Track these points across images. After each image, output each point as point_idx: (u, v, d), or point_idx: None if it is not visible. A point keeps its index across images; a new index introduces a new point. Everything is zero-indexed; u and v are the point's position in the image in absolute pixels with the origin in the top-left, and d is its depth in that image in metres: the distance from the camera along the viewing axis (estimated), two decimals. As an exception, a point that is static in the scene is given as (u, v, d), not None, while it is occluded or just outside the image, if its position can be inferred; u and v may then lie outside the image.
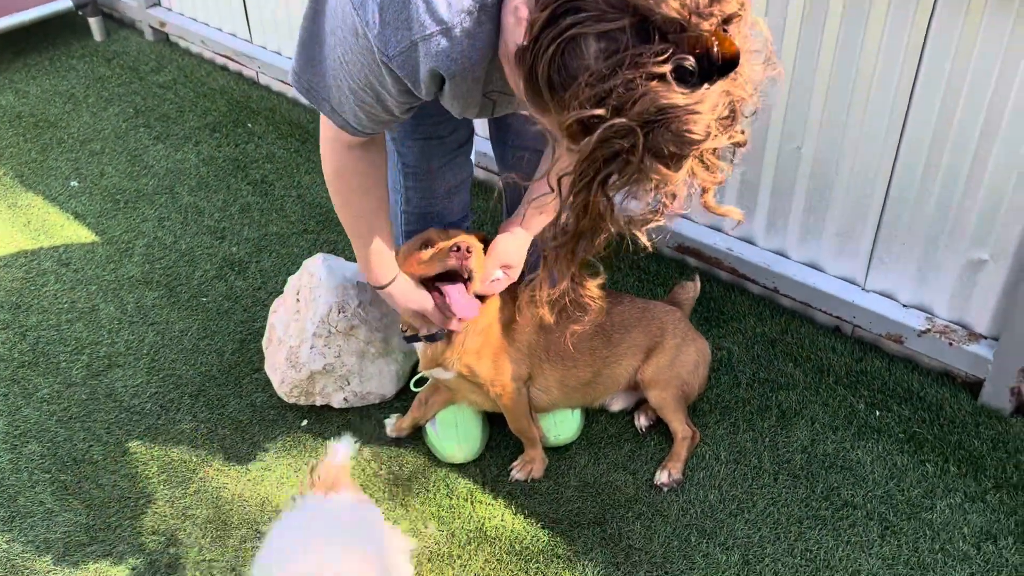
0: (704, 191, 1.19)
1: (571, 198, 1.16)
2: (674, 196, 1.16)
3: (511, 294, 2.09)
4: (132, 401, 2.37)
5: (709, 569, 1.90)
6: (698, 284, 2.37)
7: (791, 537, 1.95)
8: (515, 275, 1.94)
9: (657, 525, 1.99)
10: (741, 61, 1.08)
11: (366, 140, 1.63)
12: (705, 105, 1.07)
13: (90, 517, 2.07)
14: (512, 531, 2.00)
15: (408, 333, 2.01)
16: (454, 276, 1.85)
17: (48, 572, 1.95)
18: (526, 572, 1.92)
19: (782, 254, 2.49)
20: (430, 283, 1.89)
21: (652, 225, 1.21)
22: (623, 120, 1.06)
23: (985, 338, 2.20)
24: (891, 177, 2.17)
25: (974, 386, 2.23)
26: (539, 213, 1.82)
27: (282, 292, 2.33)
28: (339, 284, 2.22)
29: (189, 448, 2.23)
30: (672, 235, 2.64)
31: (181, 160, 3.39)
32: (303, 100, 3.63)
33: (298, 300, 2.26)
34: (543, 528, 2.01)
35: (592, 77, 1.07)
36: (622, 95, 1.06)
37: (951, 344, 2.20)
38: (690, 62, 1.05)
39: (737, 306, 2.56)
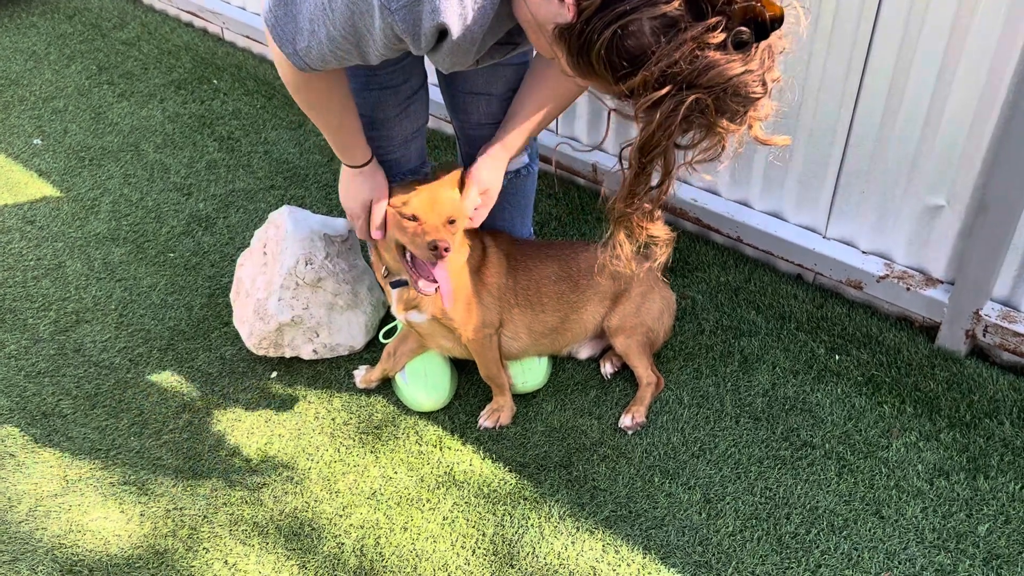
0: (751, 127, 1.25)
1: (644, 166, 1.24)
2: (724, 148, 1.26)
3: (481, 240, 2.11)
4: (101, 356, 2.38)
5: (672, 508, 1.95)
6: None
7: (751, 476, 2.00)
8: (492, 199, 1.97)
9: (621, 467, 2.04)
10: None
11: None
12: (756, 62, 1.17)
13: (61, 468, 2.08)
14: (480, 475, 2.04)
15: (392, 278, 2.03)
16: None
17: (20, 523, 1.96)
18: (493, 514, 1.96)
19: (746, 204, 2.53)
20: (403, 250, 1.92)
21: (711, 163, 1.29)
22: (696, 94, 1.15)
23: (942, 283, 2.25)
24: (851, 125, 2.20)
25: (931, 330, 2.29)
26: (523, 133, 1.90)
27: (249, 246, 2.33)
28: (306, 236, 2.23)
29: (159, 401, 2.24)
30: (638, 187, 2.67)
31: (146, 117, 3.36)
32: (268, 56, 3.61)
33: (265, 253, 2.27)
34: (510, 472, 2.05)
35: (657, 56, 1.15)
36: (686, 70, 1.14)
37: (908, 289, 2.25)
38: (746, 33, 1.14)
39: (702, 256, 2.60)
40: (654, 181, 1.28)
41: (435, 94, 2.21)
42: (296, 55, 1.53)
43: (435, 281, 1.88)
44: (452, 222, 1.87)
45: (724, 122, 1.19)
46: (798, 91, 2.23)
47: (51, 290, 2.59)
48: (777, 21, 1.15)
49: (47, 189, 3.00)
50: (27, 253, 2.72)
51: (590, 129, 2.77)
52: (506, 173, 2.18)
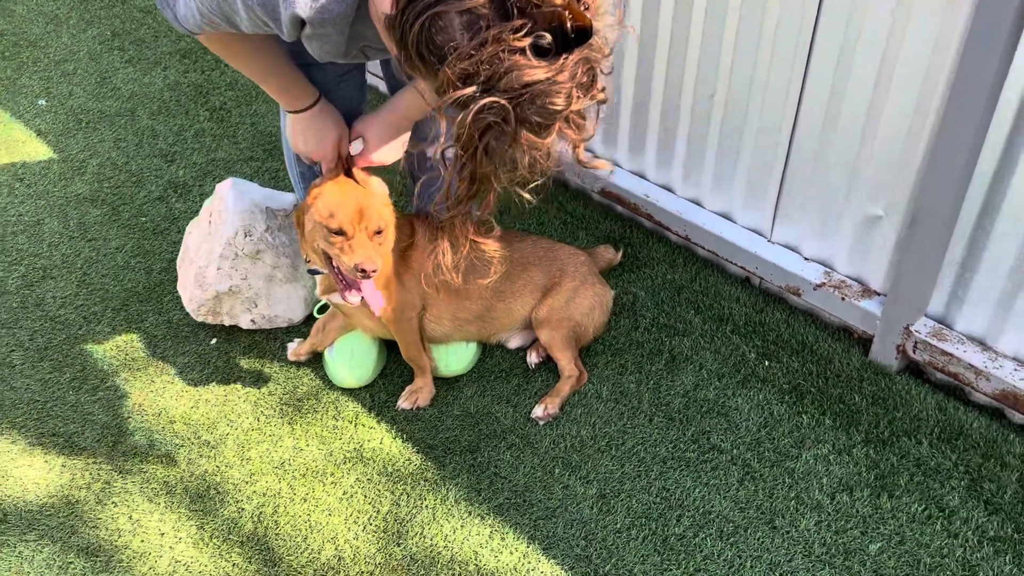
0: (575, 147, 1.25)
1: (459, 169, 1.24)
2: (548, 155, 1.23)
3: (410, 222, 2.14)
4: (58, 311, 2.48)
5: (566, 500, 1.96)
6: (618, 256, 2.45)
7: (651, 475, 2.00)
8: (371, 148, 1.91)
9: (525, 456, 2.06)
10: (594, 30, 1.13)
11: None
12: (565, 75, 1.15)
13: (-1, 416, 2.19)
14: (388, 454, 2.08)
15: (311, 266, 2.07)
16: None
17: (-49, 464, 2.08)
18: (392, 492, 2.00)
19: (698, 203, 2.50)
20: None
21: (532, 184, 1.28)
22: (493, 98, 1.14)
23: (880, 294, 2.20)
24: (794, 129, 2.16)
25: (867, 343, 2.24)
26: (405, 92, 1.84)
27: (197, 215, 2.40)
28: (246, 208, 2.28)
29: (102, 358, 2.33)
30: (598, 180, 2.66)
31: (148, 84, 3.46)
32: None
33: (210, 223, 2.33)
34: (417, 453, 2.08)
35: (459, 54, 1.14)
36: (488, 71, 1.14)
37: (843, 299, 2.21)
38: (546, 39, 1.13)
39: (654, 253, 2.58)
40: (467, 189, 1.27)
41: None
42: (176, 21, 1.56)
43: (360, 291, 1.91)
44: (379, 232, 1.89)
45: (526, 134, 1.17)
46: (746, 86, 2.20)
47: (25, 246, 2.70)
48: (583, 33, 1.13)
49: (42, 149, 3.12)
50: (11, 209, 2.85)
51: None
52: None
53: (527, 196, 1.32)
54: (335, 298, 2.11)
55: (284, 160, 3.01)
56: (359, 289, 1.92)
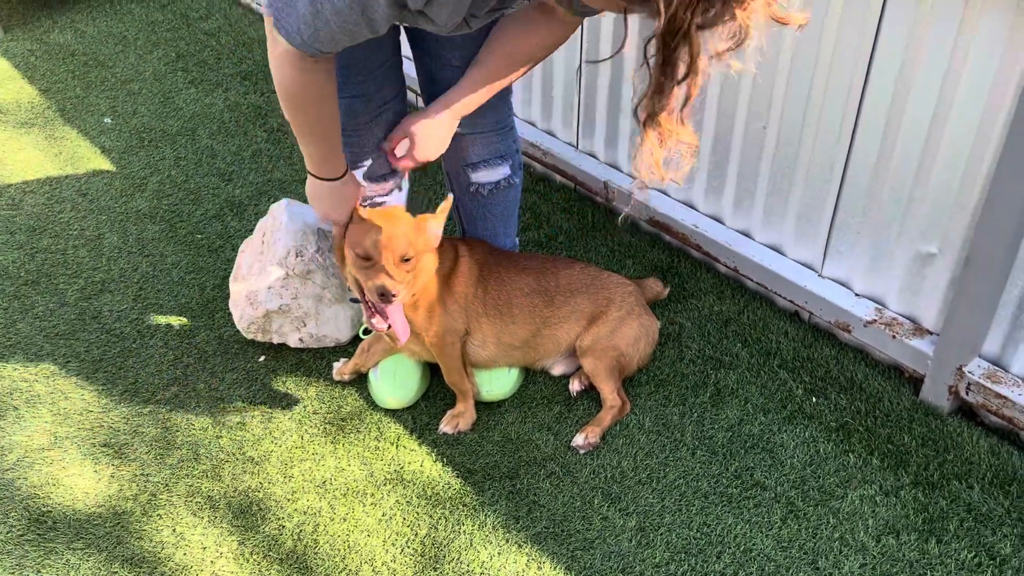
0: (769, 5, 1.21)
1: (671, 49, 1.22)
2: (747, 30, 1.22)
3: (455, 247, 2.16)
4: (114, 324, 2.54)
5: (604, 531, 1.94)
6: (665, 291, 2.46)
7: (692, 510, 1.97)
8: (417, 149, 1.96)
9: (565, 485, 2.05)
10: None
11: (321, 59, 1.66)
12: None
13: (54, 425, 2.24)
14: (427, 477, 2.09)
15: (352, 295, 2.10)
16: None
17: (6, 471, 2.13)
18: (430, 516, 2.00)
19: (747, 235, 2.48)
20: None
21: (734, 52, 1.26)
22: None
23: (932, 333, 2.16)
24: (847, 163, 2.14)
25: (918, 382, 2.19)
26: (476, 89, 1.89)
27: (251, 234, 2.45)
28: (299, 229, 2.32)
29: (154, 372, 2.38)
30: (645, 208, 2.66)
31: (209, 104, 3.55)
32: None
33: (263, 242, 2.38)
34: (457, 477, 2.08)
35: None
36: None
37: (894, 337, 2.16)
38: None
39: (702, 284, 2.56)
40: (680, 73, 1.24)
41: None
42: (305, 44, 1.55)
43: (386, 318, 1.94)
44: (407, 260, 1.92)
45: (731, 3, 1.15)
46: (799, 120, 2.18)
47: (86, 259, 2.78)
48: None
49: (105, 165, 3.21)
50: (74, 224, 2.93)
51: (578, 130, 2.78)
52: (486, 184, 2.22)
53: (735, 65, 1.33)
54: (377, 323, 2.13)
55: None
56: (385, 316, 1.94)
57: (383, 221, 1.92)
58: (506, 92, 2.12)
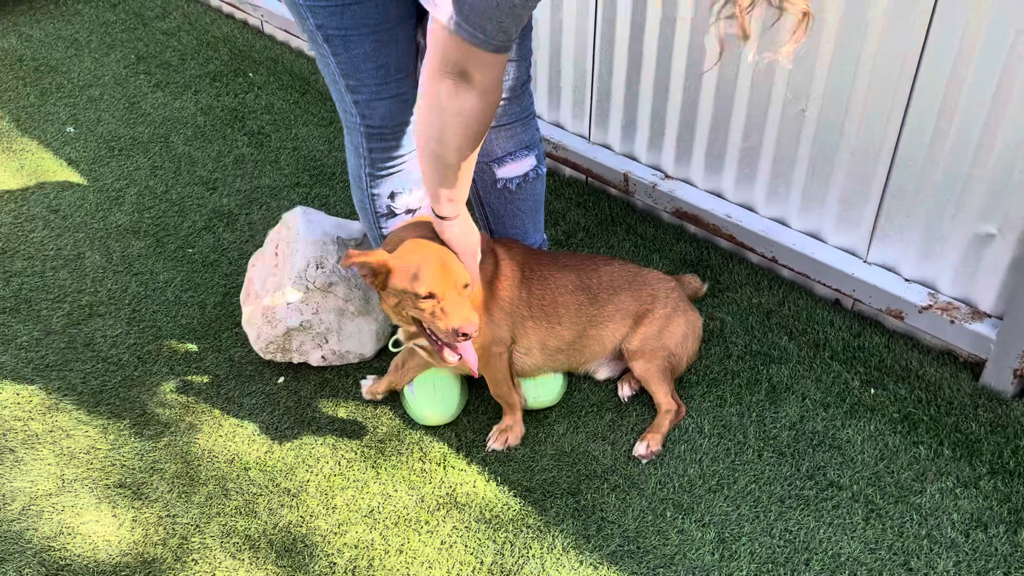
0: None
1: None
2: None
3: (493, 250, 2.02)
4: (110, 351, 2.33)
5: (683, 545, 1.83)
6: (704, 288, 2.36)
7: (771, 517, 1.88)
8: (470, 253, 1.82)
9: (632, 498, 1.93)
10: None
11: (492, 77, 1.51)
12: None
13: (59, 467, 2.03)
14: (483, 498, 1.95)
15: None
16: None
17: (12, 522, 1.92)
18: (494, 541, 1.86)
19: (782, 222, 2.39)
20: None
21: None
22: None
23: (990, 316, 2.09)
24: (897, 143, 2.06)
25: (976, 366, 2.13)
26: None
27: (262, 246, 2.27)
28: (318, 239, 2.15)
29: (163, 401, 2.19)
30: (671, 199, 2.55)
31: (179, 108, 3.33)
32: (306, 51, 3.56)
33: (276, 254, 2.20)
34: (515, 496, 1.95)
35: None
36: None
37: (952, 322, 2.10)
38: None
39: (735, 275, 2.47)
40: None
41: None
42: (490, 42, 1.42)
43: (458, 351, 1.79)
44: (466, 286, 1.78)
45: None
46: (843, 102, 2.10)
47: (68, 281, 2.56)
48: None
49: (75, 178, 2.97)
50: (48, 243, 2.70)
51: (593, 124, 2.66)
52: (514, 179, 2.08)
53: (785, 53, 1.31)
54: (421, 342, 1.97)
55: (331, 186, 2.89)
56: (455, 348, 1.79)
57: (436, 249, 1.76)
58: (526, 79, 1.99)
